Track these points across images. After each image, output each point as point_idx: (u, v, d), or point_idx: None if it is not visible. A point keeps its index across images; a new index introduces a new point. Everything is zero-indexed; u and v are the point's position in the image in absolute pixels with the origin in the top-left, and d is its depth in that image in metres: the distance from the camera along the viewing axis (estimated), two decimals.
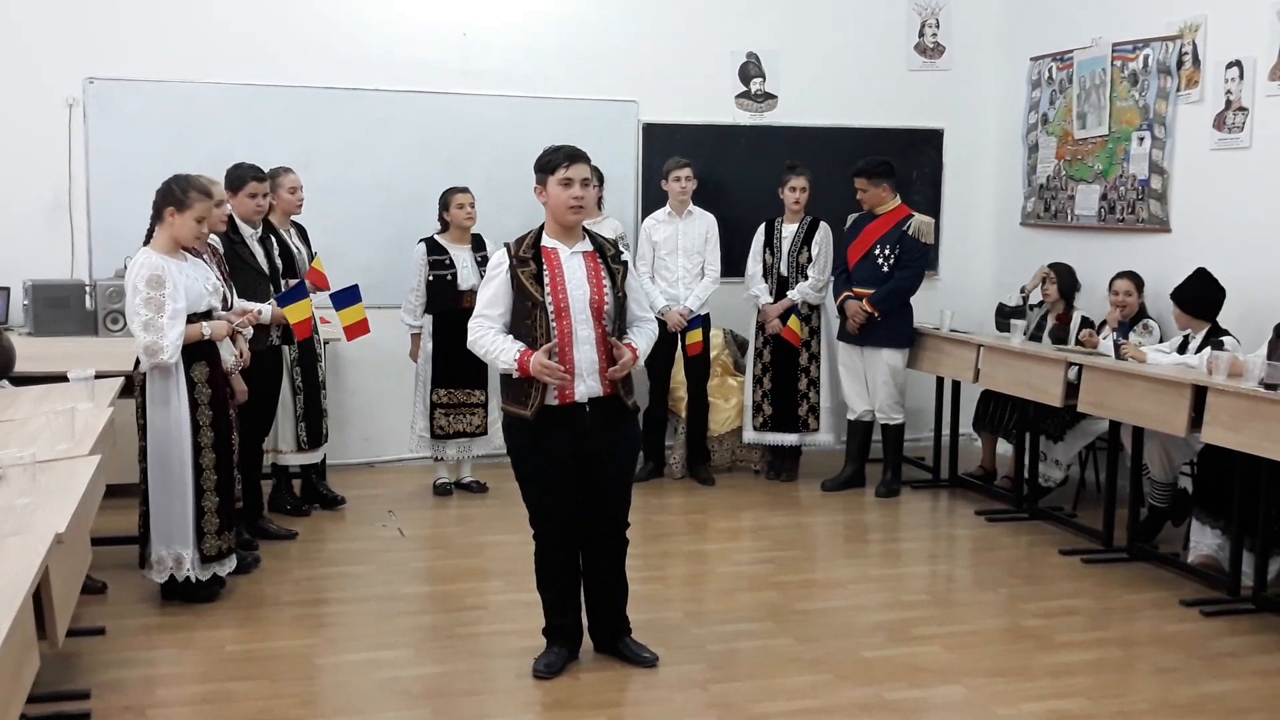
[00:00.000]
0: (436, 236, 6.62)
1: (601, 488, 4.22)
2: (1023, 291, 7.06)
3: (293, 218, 6.20)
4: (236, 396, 5.17)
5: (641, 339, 4.24)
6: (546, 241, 4.15)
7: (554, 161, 4.10)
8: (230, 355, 5.10)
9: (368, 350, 6.93)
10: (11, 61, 6.66)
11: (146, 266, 4.63)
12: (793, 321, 6.97)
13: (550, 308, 4.06)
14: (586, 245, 4.20)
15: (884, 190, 6.83)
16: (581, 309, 4.08)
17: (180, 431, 4.75)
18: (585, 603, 4.39)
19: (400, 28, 7.24)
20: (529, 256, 4.09)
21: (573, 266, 4.12)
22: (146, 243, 4.78)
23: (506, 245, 4.18)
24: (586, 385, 4.09)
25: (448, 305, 6.52)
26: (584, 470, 4.16)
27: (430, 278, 6.53)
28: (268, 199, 5.83)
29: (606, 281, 4.14)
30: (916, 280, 6.87)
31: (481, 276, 6.49)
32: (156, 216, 4.75)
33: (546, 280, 4.07)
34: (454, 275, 6.54)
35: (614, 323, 4.14)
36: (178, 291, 4.62)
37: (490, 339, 4.11)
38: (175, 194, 4.70)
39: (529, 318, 4.07)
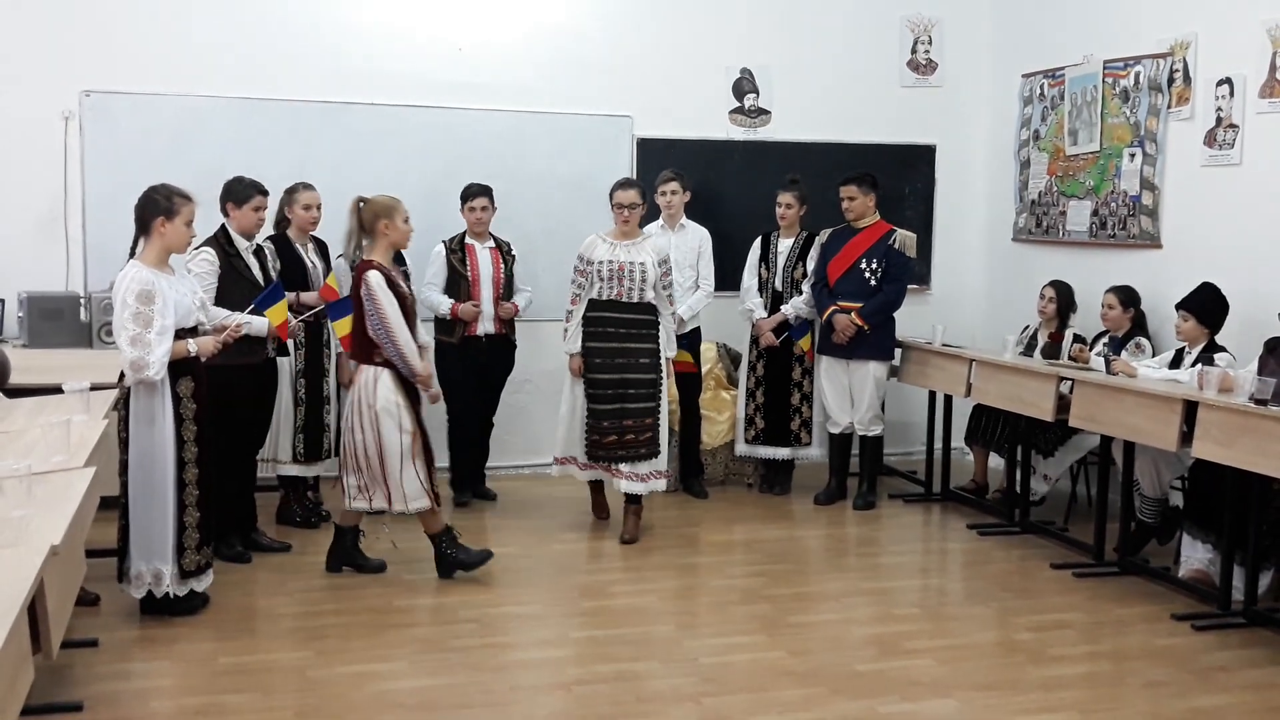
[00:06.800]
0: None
1: None
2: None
3: (312, 233, 6.20)
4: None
5: None
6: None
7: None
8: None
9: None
10: (7, 74, 6.69)
11: (137, 281, 4.57)
12: (804, 341, 7.04)
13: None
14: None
15: (870, 200, 6.87)
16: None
17: (164, 447, 4.73)
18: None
19: (396, 43, 7.28)
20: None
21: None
22: (132, 257, 4.74)
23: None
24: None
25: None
26: None
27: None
28: (265, 212, 5.84)
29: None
30: (904, 293, 6.94)
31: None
32: (142, 230, 4.71)
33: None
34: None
35: None
36: (167, 307, 4.59)
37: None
38: (161, 204, 4.67)
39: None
